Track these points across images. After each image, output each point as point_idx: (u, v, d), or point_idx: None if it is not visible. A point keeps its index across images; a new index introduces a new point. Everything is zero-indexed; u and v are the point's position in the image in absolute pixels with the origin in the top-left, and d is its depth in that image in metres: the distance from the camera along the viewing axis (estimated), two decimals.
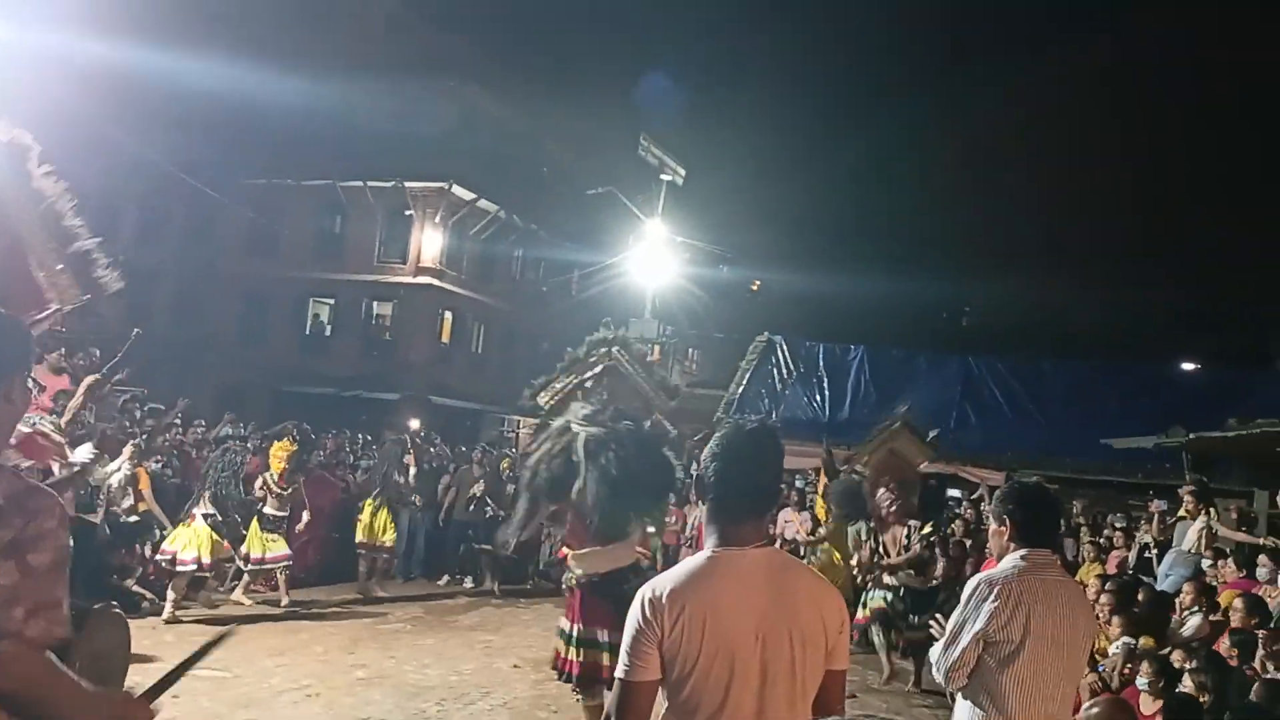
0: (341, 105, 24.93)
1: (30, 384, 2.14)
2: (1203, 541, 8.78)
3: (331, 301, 29.21)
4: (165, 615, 8.71)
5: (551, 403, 7.41)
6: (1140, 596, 7.07)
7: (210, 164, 25.45)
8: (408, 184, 27.17)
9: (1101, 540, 10.94)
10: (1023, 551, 3.12)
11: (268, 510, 10.00)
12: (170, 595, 8.88)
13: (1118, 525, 11.54)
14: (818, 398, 17.97)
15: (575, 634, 5.42)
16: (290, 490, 10.15)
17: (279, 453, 10.14)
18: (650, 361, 7.96)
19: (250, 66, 22.84)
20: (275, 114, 23.85)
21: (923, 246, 48.20)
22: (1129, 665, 5.64)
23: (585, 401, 6.76)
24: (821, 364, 18.41)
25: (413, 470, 12.26)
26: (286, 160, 26.86)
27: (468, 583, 12.54)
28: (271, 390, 25.48)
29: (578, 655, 5.38)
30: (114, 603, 3.31)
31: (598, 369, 7.56)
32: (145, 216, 28.66)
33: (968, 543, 11.46)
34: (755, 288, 37.10)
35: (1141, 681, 5.13)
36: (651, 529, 7.42)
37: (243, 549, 9.89)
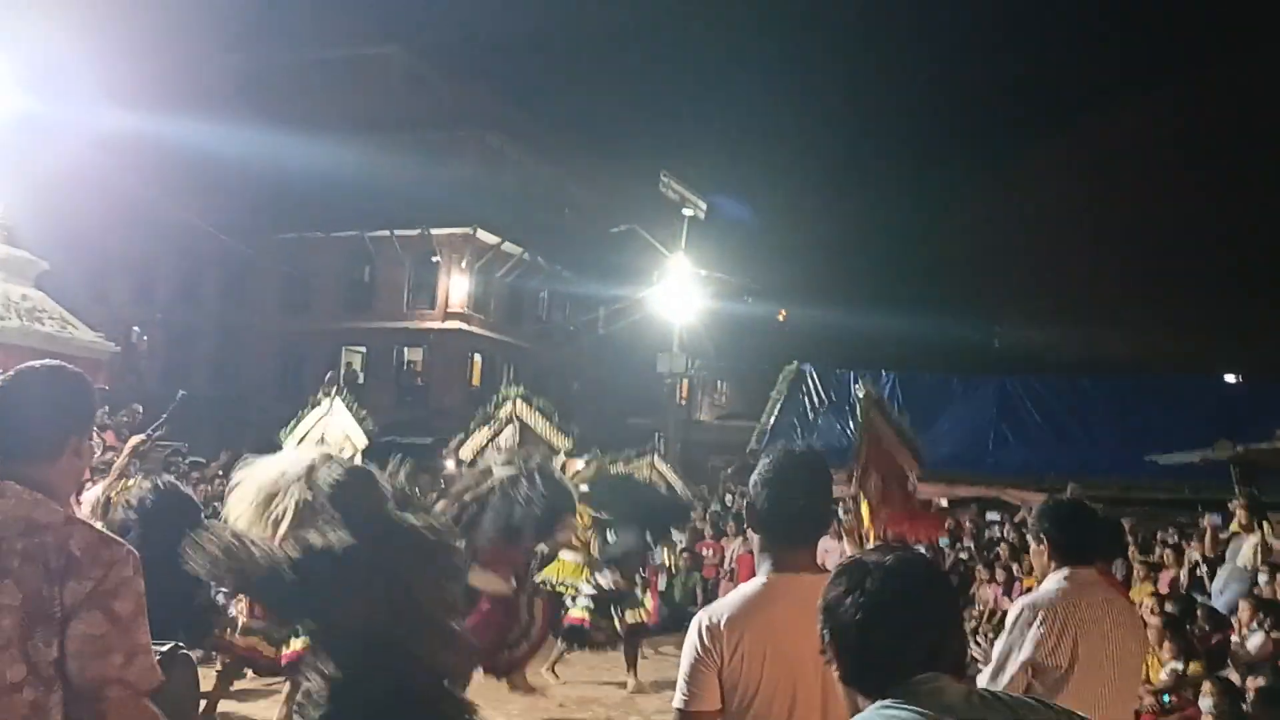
0: (366, 159, 25.42)
1: (95, 441, 2.22)
2: (1258, 556, 8.61)
3: (364, 350, 29.56)
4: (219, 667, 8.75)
5: (471, 455, 8.14)
6: (1198, 614, 6.93)
7: (242, 223, 26.02)
8: (433, 231, 27.54)
9: (1152, 559, 10.76)
10: (1065, 571, 3.04)
11: None
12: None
13: (1168, 543, 11.34)
14: (851, 425, 17.85)
15: None
16: None
17: None
18: (551, 410, 8.49)
19: (277, 129, 23.45)
20: (303, 172, 24.38)
21: (949, 270, 48.04)
22: (1180, 692, 5.52)
23: (499, 449, 7.58)
24: (853, 392, 18.32)
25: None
26: (315, 214, 27.36)
27: None
28: None
29: None
30: (181, 645, 3.36)
31: (506, 421, 8.33)
32: (182, 277, 29.25)
33: (1014, 566, 11.30)
34: (782, 318, 37.06)
35: (1206, 704, 5.00)
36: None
37: None
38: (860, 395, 7.89)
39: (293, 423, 7.83)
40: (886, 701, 1.49)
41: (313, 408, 7.94)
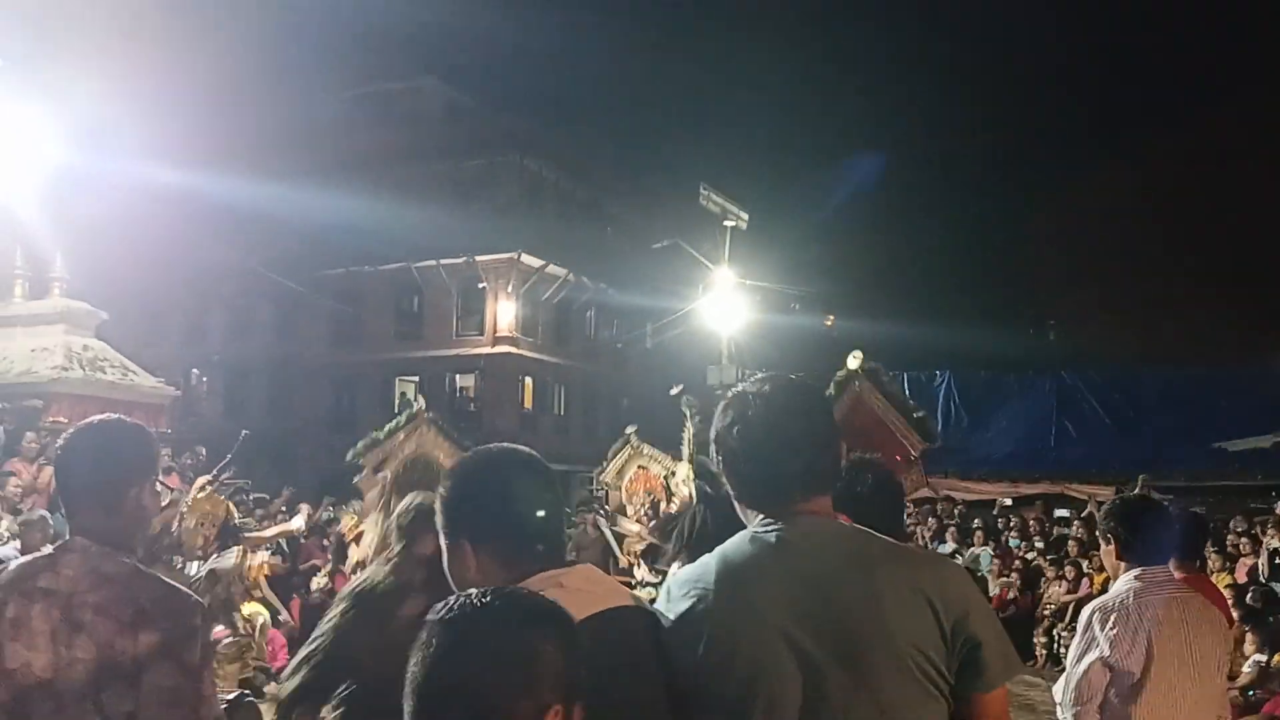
0: (408, 191, 25.85)
1: (160, 488, 2.26)
2: None
3: (416, 379, 29.85)
4: None
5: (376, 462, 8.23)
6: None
7: (291, 260, 26.52)
8: (478, 258, 27.81)
9: (1227, 548, 10.46)
10: (1136, 570, 2.95)
11: None
12: None
13: (1241, 531, 11.02)
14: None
15: None
16: None
17: None
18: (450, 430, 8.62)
19: (320, 167, 23.96)
20: (347, 207, 24.83)
21: (999, 265, 47.35)
22: (1266, 685, 5.35)
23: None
24: (907, 393, 18.09)
25: None
26: (362, 248, 27.77)
27: None
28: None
29: None
30: (247, 693, 3.41)
31: (409, 432, 8.41)
32: (235, 317, 29.87)
33: (1083, 563, 11.06)
34: (829, 323, 36.79)
35: None
36: None
37: None
38: (852, 365, 7.35)
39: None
40: (763, 519, 1.70)
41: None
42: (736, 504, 1.79)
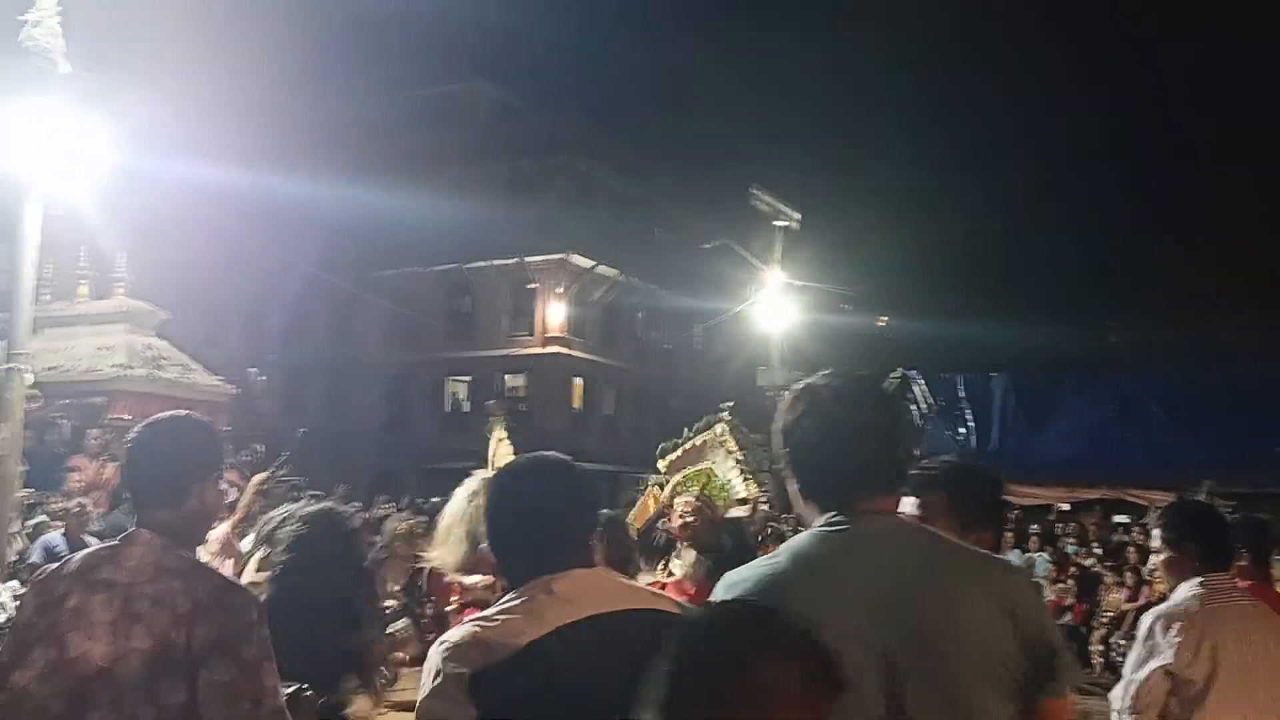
0: (460, 192, 26.11)
1: (223, 485, 2.31)
2: None
3: (468, 379, 30.17)
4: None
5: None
6: None
7: (346, 261, 26.94)
8: (529, 259, 28.00)
9: None
10: (1198, 579, 2.87)
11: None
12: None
13: None
14: (962, 430, 17.34)
15: None
16: None
17: None
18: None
19: (374, 169, 24.33)
20: (401, 208, 25.16)
21: (1057, 266, 46.53)
22: None
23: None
24: (962, 395, 17.80)
25: None
26: (415, 249, 28.13)
27: None
28: (418, 470, 26.35)
29: None
30: (305, 686, 3.45)
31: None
32: (292, 317, 30.40)
33: (1143, 570, 10.82)
34: (882, 323, 36.40)
35: None
36: None
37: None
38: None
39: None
40: (830, 516, 1.68)
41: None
42: (801, 501, 1.77)
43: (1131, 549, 11.67)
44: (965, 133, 60.13)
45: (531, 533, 1.69)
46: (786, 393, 1.82)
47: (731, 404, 8.17)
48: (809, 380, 1.81)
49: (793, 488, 1.77)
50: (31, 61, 6.70)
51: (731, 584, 1.68)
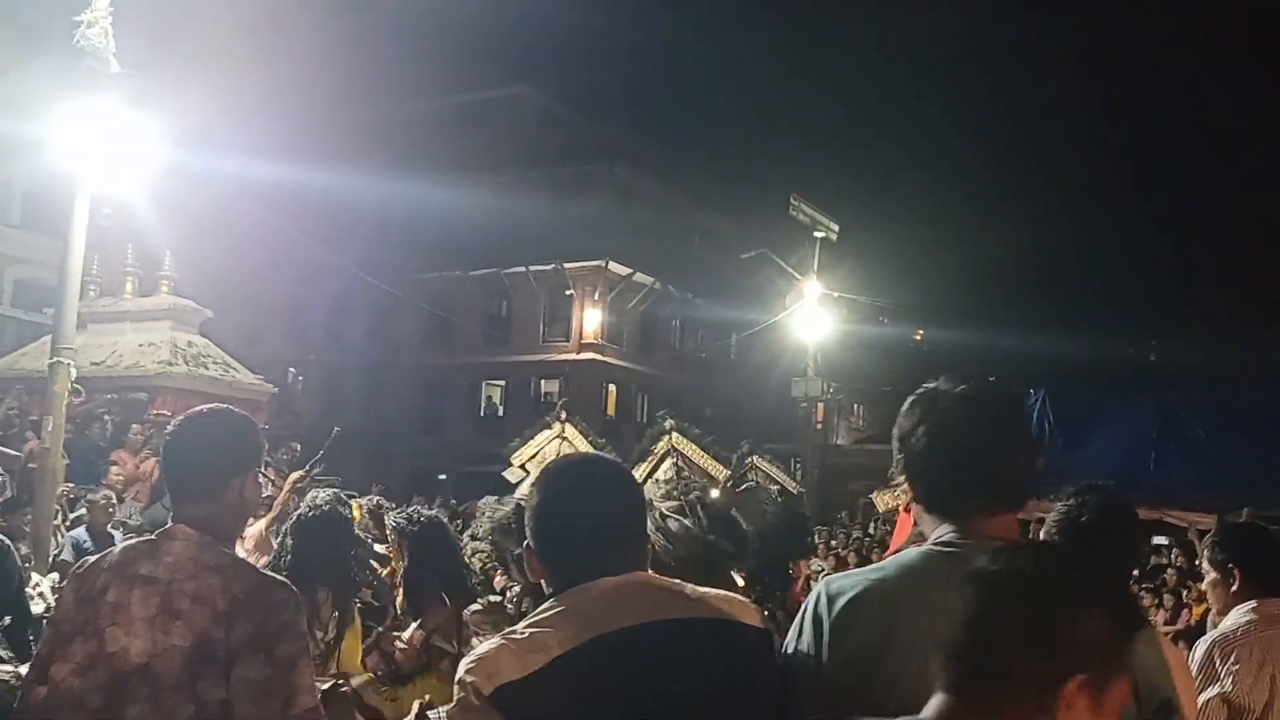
0: (500, 197, 26.25)
1: (262, 480, 2.31)
2: None
3: (503, 383, 30.29)
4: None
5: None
6: None
7: (386, 264, 27.15)
8: (567, 265, 28.09)
9: None
10: (1252, 604, 2.78)
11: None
12: None
13: None
14: None
15: None
16: None
17: None
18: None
19: (416, 173, 24.54)
20: (441, 212, 25.36)
21: (1098, 283, 45.86)
22: None
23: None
24: None
25: None
26: (454, 253, 28.33)
27: None
28: (453, 473, 26.48)
29: None
30: (341, 681, 3.44)
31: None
32: (331, 318, 30.72)
33: (1183, 592, 10.62)
34: (918, 338, 36.08)
35: None
36: None
37: None
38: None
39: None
40: (942, 532, 1.60)
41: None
42: (921, 511, 1.70)
43: (1170, 571, 11.43)
44: (1006, 146, 59.55)
45: (584, 534, 1.62)
46: (909, 397, 1.71)
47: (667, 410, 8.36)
48: (931, 384, 1.70)
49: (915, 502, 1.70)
50: (84, 61, 6.83)
51: (837, 590, 1.63)
